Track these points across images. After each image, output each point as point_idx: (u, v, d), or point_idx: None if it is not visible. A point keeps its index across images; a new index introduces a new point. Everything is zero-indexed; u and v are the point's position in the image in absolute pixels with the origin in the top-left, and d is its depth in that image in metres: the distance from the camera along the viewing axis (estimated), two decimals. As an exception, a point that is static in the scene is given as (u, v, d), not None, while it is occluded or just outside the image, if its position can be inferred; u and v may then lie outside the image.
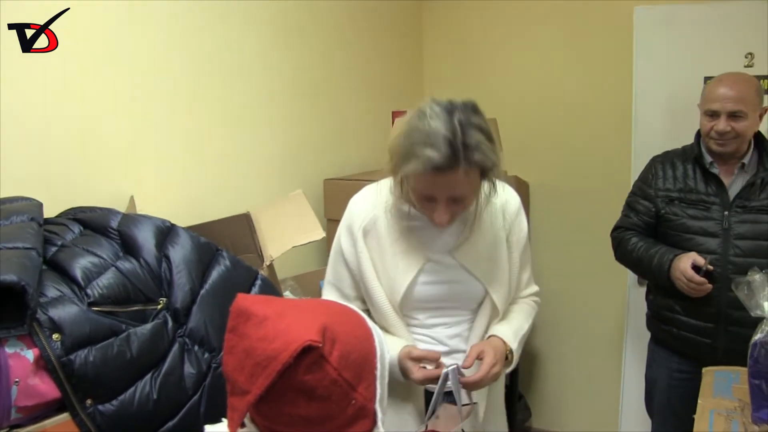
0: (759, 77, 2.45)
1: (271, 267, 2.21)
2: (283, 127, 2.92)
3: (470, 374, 1.60)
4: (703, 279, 2.14)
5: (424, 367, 1.61)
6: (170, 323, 1.69)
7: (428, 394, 1.72)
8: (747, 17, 2.82)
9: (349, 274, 1.75)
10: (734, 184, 2.26)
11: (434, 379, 1.59)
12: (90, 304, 1.57)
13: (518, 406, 3.53)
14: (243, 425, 1.08)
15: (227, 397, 1.09)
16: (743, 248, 2.18)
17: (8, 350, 1.44)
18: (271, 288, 1.93)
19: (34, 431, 1.48)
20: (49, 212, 1.89)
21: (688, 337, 2.31)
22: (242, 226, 2.19)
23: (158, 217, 1.85)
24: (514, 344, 1.71)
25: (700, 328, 2.27)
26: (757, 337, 1.63)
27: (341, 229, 1.76)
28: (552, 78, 3.51)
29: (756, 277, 1.68)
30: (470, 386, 1.61)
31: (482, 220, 1.67)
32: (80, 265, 1.62)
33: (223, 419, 1.11)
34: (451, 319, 1.74)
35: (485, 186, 1.59)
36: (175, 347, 1.68)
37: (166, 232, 1.81)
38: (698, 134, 2.34)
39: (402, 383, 1.66)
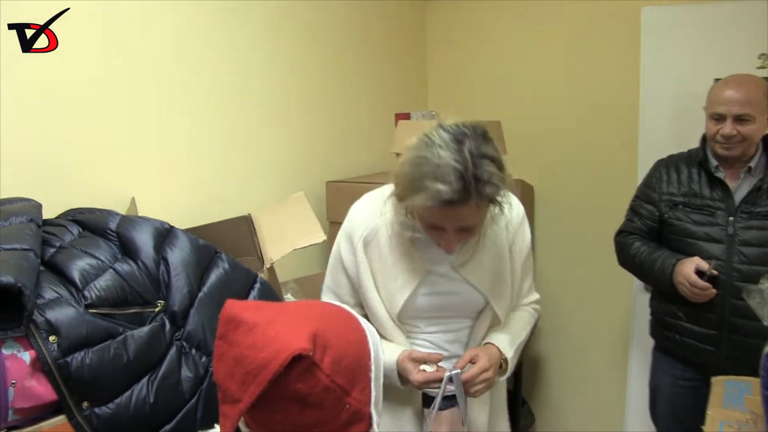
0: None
1: (271, 270, 2.20)
2: (285, 129, 2.91)
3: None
4: (707, 284, 2.12)
5: (424, 371, 1.60)
6: (168, 326, 1.68)
7: (426, 398, 1.72)
8: (759, 17, 2.76)
9: (347, 281, 1.74)
10: (740, 189, 2.22)
11: (434, 382, 1.58)
12: (87, 306, 1.56)
13: (522, 412, 3.51)
14: (238, 430, 1.07)
15: (219, 405, 1.08)
16: (749, 255, 2.15)
17: (5, 352, 1.44)
18: (270, 291, 1.92)
19: (31, 433, 1.48)
20: (50, 213, 1.90)
21: (691, 344, 2.29)
22: (242, 228, 2.18)
23: (157, 219, 1.84)
24: (509, 353, 1.70)
25: (703, 335, 2.25)
26: None
27: (341, 237, 1.75)
28: (557, 80, 3.48)
29: None
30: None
31: (486, 235, 1.64)
32: (78, 267, 1.61)
33: (216, 425, 1.10)
34: (451, 326, 1.74)
35: (493, 208, 1.54)
36: (173, 350, 1.67)
37: (164, 234, 1.80)
38: (704, 138, 2.30)
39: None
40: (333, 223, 2.92)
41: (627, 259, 2.43)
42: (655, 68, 3.03)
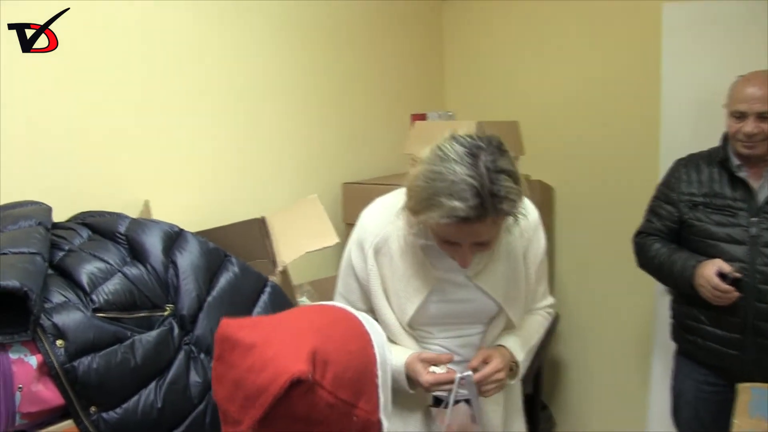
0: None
1: (284, 273, 2.18)
2: (301, 130, 2.90)
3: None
4: (729, 287, 2.07)
5: (434, 372, 1.57)
6: (176, 330, 1.66)
7: (436, 401, 1.70)
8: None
9: (358, 286, 1.73)
10: (763, 189, 2.16)
11: (443, 383, 1.56)
12: (95, 310, 1.55)
13: (542, 416, 3.47)
14: None
15: (221, 425, 1.07)
16: None
17: (12, 356, 1.43)
18: (281, 296, 1.89)
19: (38, 438, 1.47)
20: (63, 217, 1.89)
21: (714, 348, 2.24)
22: (254, 231, 2.17)
23: (167, 222, 1.83)
24: (520, 356, 1.68)
25: (726, 339, 2.20)
26: None
27: (352, 243, 1.74)
28: (576, 79, 3.44)
29: None
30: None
31: (500, 243, 1.61)
32: (86, 271, 1.60)
33: None
34: (464, 332, 1.72)
35: (509, 219, 1.50)
36: (181, 355, 1.66)
37: (174, 238, 1.79)
38: (725, 136, 2.25)
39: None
40: (349, 225, 2.88)
41: (646, 261, 2.38)
42: (676, 66, 2.99)
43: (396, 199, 1.63)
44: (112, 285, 1.61)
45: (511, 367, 1.66)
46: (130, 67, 2.17)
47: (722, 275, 2.09)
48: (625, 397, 3.48)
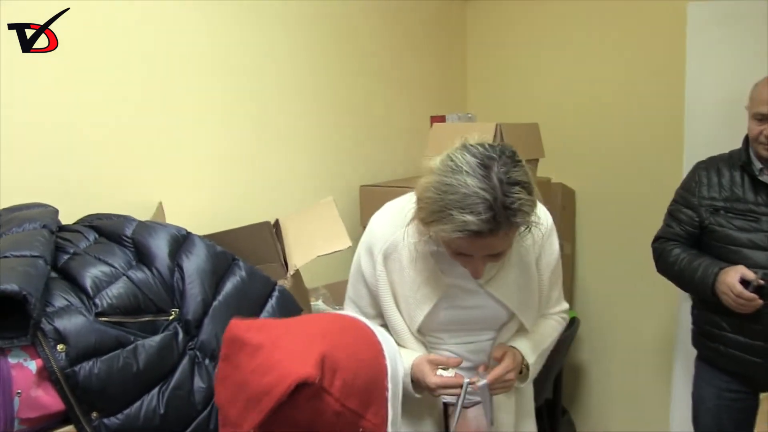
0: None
1: (296, 276, 2.15)
2: (319, 131, 2.88)
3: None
4: (753, 295, 2.01)
5: (441, 375, 1.55)
6: (181, 335, 1.64)
7: (446, 407, 1.67)
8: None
9: (368, 292, 1.70)
10: None
11: (450, 387, 1.54)
12: (98, 315, 1.53)
13: (562, 422, 3.42)
14: None
15: (219, 428, 1.04)
16: None
17: (11, 360, 1.42)
18: (290, 300, 1.87)
19: (39, 443, 1.45)
20: (77, 218, 1.89)
21: (736, 356, 2.18)
22: (264, 234, 2.13)
23: (174, 225, 1.81)
24: (531, 359, 1.65)
25: (748, 347, 2.14)
26: None
27: (361, 249, 1.71)
28: (600, 80, 3.37)
29: None
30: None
31: (513, 249, 1.56)
32: (91, 275, 1.59)
33: None
34: (474, 338, 1.68)
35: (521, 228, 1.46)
36: (185, 360, 1.63)
37: (181, 241, 1.77)
38: (746, 139, 2.19)
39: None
40: (366, 228, 2.88)
41: (666, 267, 2.32)
42: (701, 67, 2.92)
43: (406, 203, 1.59)
44: (117, 289, 1.60)
45: (521, 370, 1.64)
46: (131, 67, 2.16)
47: (745, 282, 2.02)
48: (646, 403, 3.41)
